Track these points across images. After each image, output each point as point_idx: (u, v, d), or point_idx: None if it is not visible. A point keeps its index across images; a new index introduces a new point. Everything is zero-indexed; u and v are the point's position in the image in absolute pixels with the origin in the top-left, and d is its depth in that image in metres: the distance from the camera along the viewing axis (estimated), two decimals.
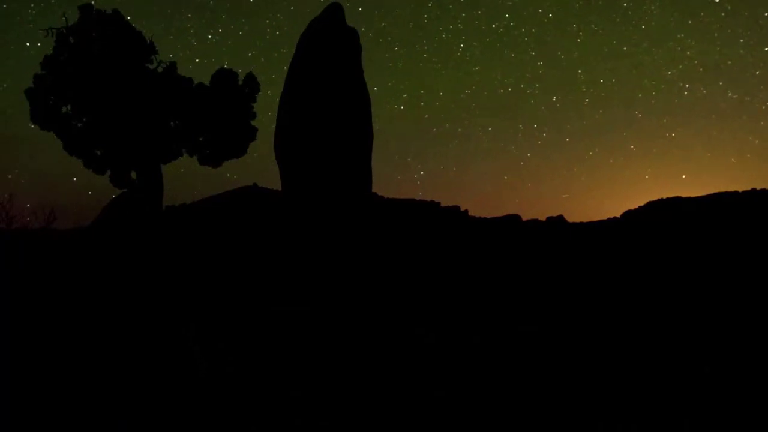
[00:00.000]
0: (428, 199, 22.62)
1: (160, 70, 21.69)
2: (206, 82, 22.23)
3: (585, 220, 20.57)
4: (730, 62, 65.98)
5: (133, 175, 21.53)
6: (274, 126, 20.13)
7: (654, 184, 67.71)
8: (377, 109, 73.03)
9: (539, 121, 76.54)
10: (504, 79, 75.58)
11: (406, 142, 77.23)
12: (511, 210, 67.78)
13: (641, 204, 19.39)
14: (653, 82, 72.45)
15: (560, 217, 20.30)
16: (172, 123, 21.86)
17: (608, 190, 71.88)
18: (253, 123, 22.92)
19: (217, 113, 21.87)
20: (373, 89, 76.62)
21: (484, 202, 75.96)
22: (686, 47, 68.49)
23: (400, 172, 72.97)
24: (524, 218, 20.51)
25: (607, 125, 73.64)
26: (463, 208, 21.29)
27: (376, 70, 75.10)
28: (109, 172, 21.44)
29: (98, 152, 21.14)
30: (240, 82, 22.56)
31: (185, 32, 64.96)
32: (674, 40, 69.61)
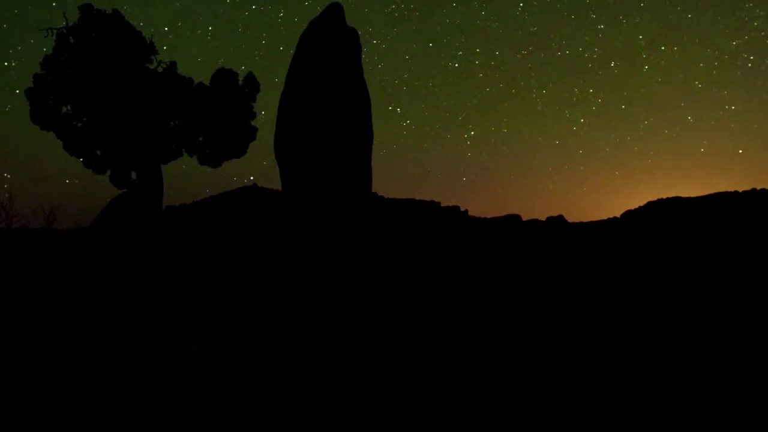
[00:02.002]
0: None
1: (160, 70, 21.69)
2: (206, 81, 22.25)
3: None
4: None
5: (133, 175, 21.52)
6: (273, 124, 20.13)
7: (709, 158, 65.12)
8: (432, 65, 70.57)
9: (595, 86, 73.83)
10: (562, 41, 72.36)
11: (459, 100, 74.85)
12: (561, 180, 66.03)
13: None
14: (716, 52, 68.93)
15: (560, 217, 20.42)
16: (172, 123, 21.85)
17: (662, 162, 69.11)
18: (253, 123, 22.93)
19: (217, 113, 21.86)
20: (428, 45, 74.26)
21: (529, 170, 72.82)
22: (754, 17, 65.14)
23: (450, 131, 71.33)
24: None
25: (665, 94, 70.76)
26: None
27: (432, 25, 72.14)
28: (109, 172, 21.44)
29: (98, 152, 21.13)
30: (240, 82, 22.57)
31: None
32: (742, 9, 66.31)
